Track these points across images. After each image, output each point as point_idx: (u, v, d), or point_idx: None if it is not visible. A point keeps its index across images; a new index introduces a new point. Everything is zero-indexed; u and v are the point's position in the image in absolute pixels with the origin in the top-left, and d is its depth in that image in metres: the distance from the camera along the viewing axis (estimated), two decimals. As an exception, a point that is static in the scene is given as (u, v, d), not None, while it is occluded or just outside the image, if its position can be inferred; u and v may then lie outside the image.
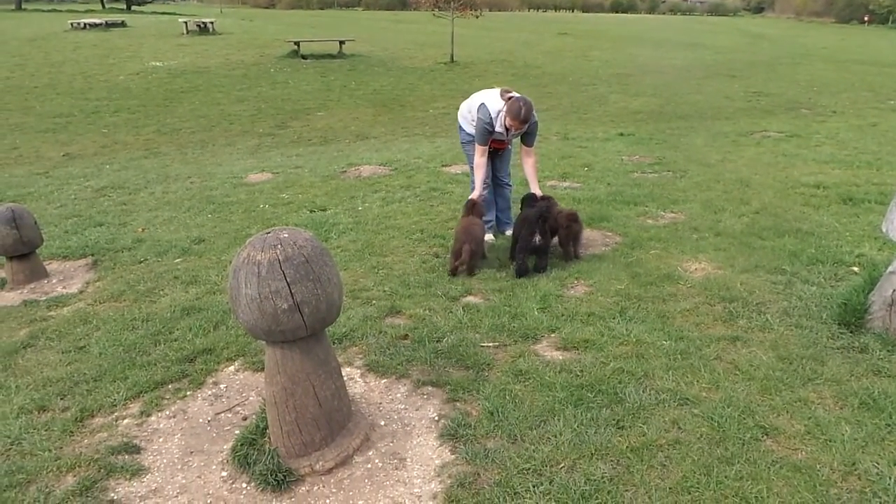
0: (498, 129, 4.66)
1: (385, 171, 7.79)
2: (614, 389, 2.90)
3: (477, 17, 20.99)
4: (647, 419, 2.70)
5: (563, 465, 2.44)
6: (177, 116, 13.20)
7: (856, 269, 4.29)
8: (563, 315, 3.71)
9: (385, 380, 3.13)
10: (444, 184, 6.96)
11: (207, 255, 5.03)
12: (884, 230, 3.29)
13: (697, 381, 2.98)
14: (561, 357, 3.25)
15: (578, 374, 3.06)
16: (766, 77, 19.22)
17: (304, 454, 2.47)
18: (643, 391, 2.89)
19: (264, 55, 20.89)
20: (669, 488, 2.30)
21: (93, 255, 5.16)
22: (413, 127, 12.63)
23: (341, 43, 21.45)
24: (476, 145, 4.76)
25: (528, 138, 4.88)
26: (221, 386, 3.14)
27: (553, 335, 3.49)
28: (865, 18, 61.00)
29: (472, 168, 4.93)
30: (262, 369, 3.22)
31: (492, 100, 4.69)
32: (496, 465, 2.46)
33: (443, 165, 7.99)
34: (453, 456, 2.55)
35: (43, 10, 40.00)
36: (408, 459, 2.56)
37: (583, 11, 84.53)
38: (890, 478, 2.32)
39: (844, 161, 7.94)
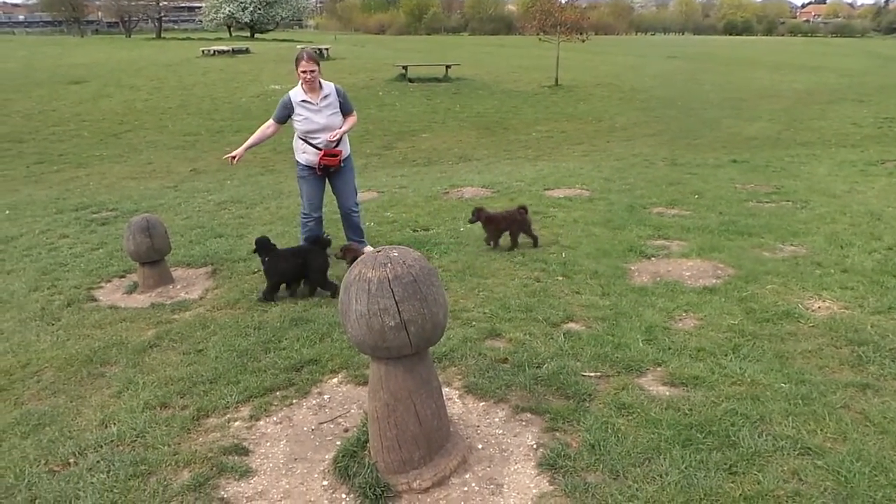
0: (298, 99, 4.93)
1: (487, 193, 7.83)
2: (726, 432, 2.73)
3: (583, 41, 20.84)
4: (763, 467, 2.51)
5: (670, 507, 2.32)
6: (291, 136, 13.98)
7: None
8: (669, 348, 3.55)
9: (483, 403, 3.11)
10: (547, 207, 6.90)
11: (315, 268, 5.24)
12: None
13: (821, 430, 2.74)
14: (668, 393, 3.10)
15: (687, 412, 2.90)
16: (900, 102, 17.69)
17: (402, 471, 2.49)
18: (759, 436, 2.69)
19: (374, 79, 21.77)
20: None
21: (212, 264, 5.53)
22: (515, 150, 12.66)
23: (447, 67, 21.97)
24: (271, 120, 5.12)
25: (346, 106, 5.17)
26: (325, 396, 3.25)
27: (659, 369, 3.34)
28: None
29: (301, 194, 5.38)
30: (365, 383, 3.31)
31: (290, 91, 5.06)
32: (597, 500, 2.38)
33: (545, 189, 7.94)
34: (552, 487, 2.49)
35: (179, 39, 43.99)
36: (504, 486, 2.52)
37: (693, 34, 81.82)
38: None
39: None
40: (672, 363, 3.37)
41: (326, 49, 27.50)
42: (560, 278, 4.75)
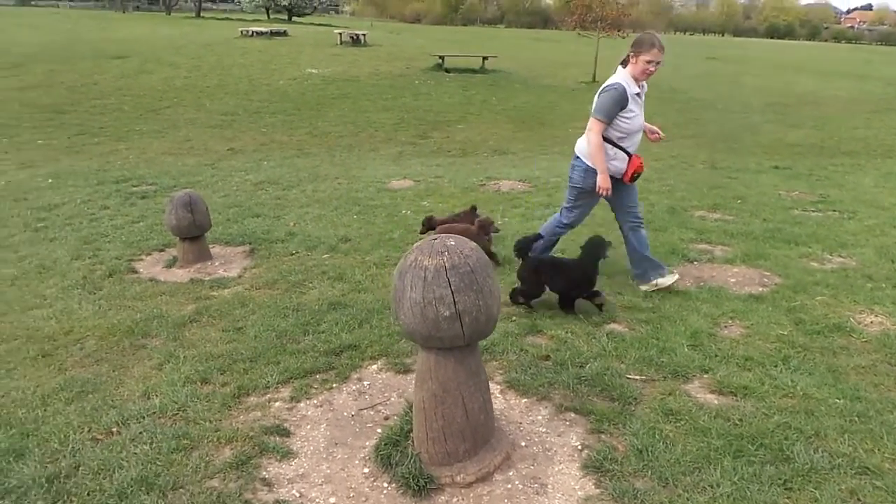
0: (633, 92, 4.00)
1: (524, 188, 7.75)
2: (780, 445, 2.64)
3: (623, 37, 20.49)
4: (819, 484, 2.42)
5: (722, 520, 2.25)
6: (327, 121, 14.00)
7: None
8: (716, 356, 3.46)
9: (526, 399, 3.06)
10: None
11: (353, 254, 5.23)
12: None
13: (879, 450, 2.64)
14: (716, 401, 3.02)
15: (737, 422, 2.82)
16: (953, 113, 17.11)
17: (446, 463, 2.46)
18: (814, 452, 2.60)
19: (410, 67, 21.69)
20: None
21: (250, 243, 5.54)
22: (552, 145, 12.52)
23: (484, 59, 21.79)
24: (595, 123, 4.04)
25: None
26: (365, 383, 3.23)
27: (706, 376, 3.26)
28: None
29: (576, 206, 4.48)
30: (405, 371, 3.29)
31: (616, 79, 4.04)
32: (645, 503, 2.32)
33: (582, 186, 7.81)
34: (598, 490, 2.43)
35: (218, 18, 44.30)
36: (549, 486, 2.47)
37: (734, 36, 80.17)
38: None
39: None
40: (719, 371, 3.28)
41: (364, 35, 27.47)
42: (602, 278, 4.66)
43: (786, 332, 3.74)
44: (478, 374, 2.44)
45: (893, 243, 5.53)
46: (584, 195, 4.39)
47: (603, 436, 2.75)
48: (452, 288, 2.16)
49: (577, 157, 4.35)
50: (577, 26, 20.85)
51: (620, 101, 3.97)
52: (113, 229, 5.91)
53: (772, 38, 78.96)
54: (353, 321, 3.91)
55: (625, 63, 4.09)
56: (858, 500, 2.35)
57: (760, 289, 4.48)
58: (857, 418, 2.84)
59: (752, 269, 4.87)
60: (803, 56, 41.62)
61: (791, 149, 12.44)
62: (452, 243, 2.24)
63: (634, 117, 4.08)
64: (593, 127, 4.07)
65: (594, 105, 4.10)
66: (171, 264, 5.06)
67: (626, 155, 4.18)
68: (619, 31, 19.66)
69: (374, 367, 3.39)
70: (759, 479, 2.43)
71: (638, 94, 4.06)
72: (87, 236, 5.69)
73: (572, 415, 2.92)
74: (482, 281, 2.22)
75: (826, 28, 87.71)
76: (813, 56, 42.40)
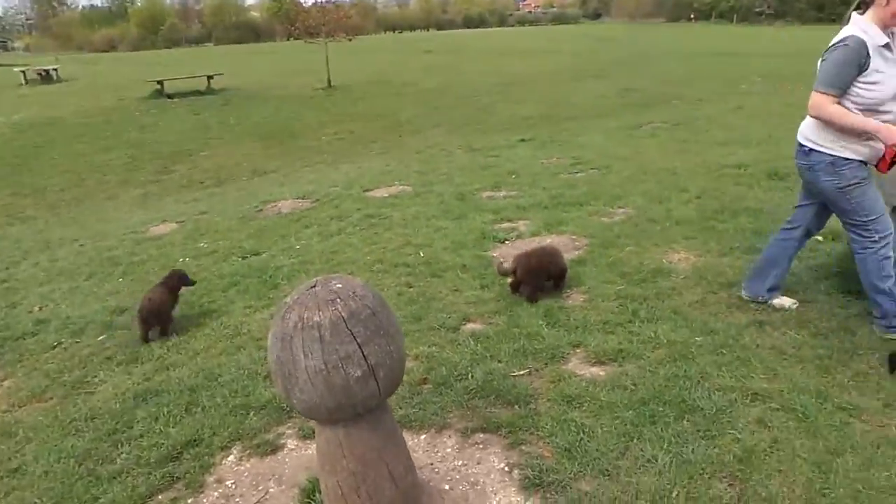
0: (877, 44, 2.78)
1: (306, 205, 7.22)
2: (681, 397, 2.68)
3: (350, 40, 20.69)
4: (732, 423, 2.50)
5: (678, 492, 2.17)
6: (37, 175, 11.65)
7: (819, 238, 4.42)
8: (577, 327, 3.46)
9: (424, 434, 2.70)
10: (378, 209, 6.54)
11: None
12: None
13: (754, 374, 2.83)
14: (602, 373, 2.99)
15: (632, 388, 2.81)
16: (628, 75, 20.46)
17: (384, 549, 2.00)
18: (711, 394, 2.69)
19: (124, 98, 19.21)
20: (807, 497, 2.10)
21: (-14, 348, 4.22)
22: (310, 156, 12.04)
23: (209, 78, 20.23)
24: (820, 98, 2.87)
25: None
26: (228, 483, 2.56)
27: (579, 350, 3.23)
28: (692, 16, 67.84)
29: (863, 207, 2.99)
30: (272, 451, 2.71)
31: (850, 30, 2.84)
32: (605, 510, 2.14)
33: (365, 191, 7.55)
34: (550, 510, 2.20)
35: None
36: (499, 526, 2.17)
37: (437, 29, 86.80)
38: None
39: (741, 141, 8.46)
40: (589, 342, 3.28)
41: (55, 70, 23.65)
42: (431, 279, 4.46)
43: (621, 288, 3.92)
44: (395, 432, 2.03)
45: (653, 187, 6.26)
46: (853, 190, 2.97)
47: (523, 447, 2.53)
48: (359, 341, 1.72)
49: (810, 152, 3.07)
50: (298, 35, 20.44)
51: (857, 61, 2.77)
52: None
53: (468, 27, 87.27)
54: (176, 409, 3.12)
55: (862, 6, 2.89)
56: (768, 427, 2.47)
57: (577, 252, 4.68)
58: (723, 351, 3.04)
59: (560, 236, 5.09)
60: (502, 41, 46.60)
61: (526, 122, 13.68)
62: (340, 286, 1.79)
63: (883, 81, 2.80)
64: (819, 104, 2.86)
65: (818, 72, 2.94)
66: None
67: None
68: (346, 34, 19.75)
69: (231, 458, 2.72)
70: (684, 439, 2.43)
71: (887, 47, 2.80)
72: None
73: (481, 435, 2.64)
74: (387, 322, 1.81)
75: (511, 15, 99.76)
76: (510, 40, 47.75)
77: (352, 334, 1.71)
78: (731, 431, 2.45)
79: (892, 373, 2.73)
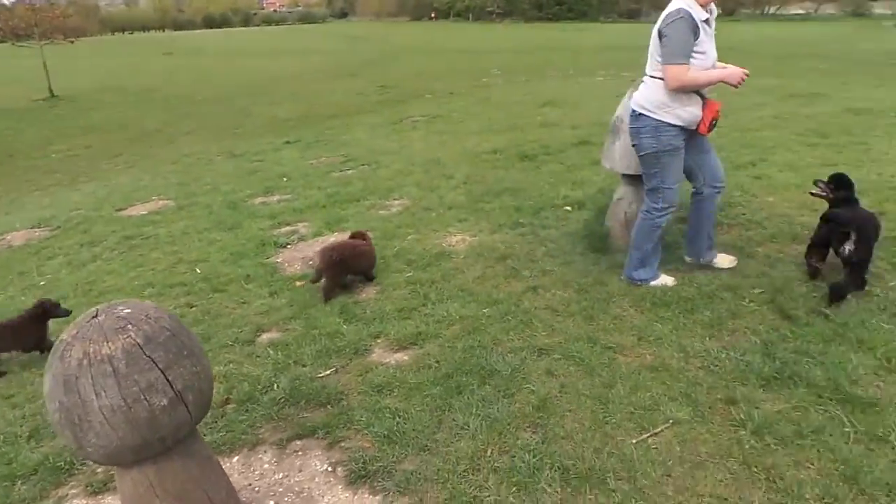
0: (700, 19, 3.15)
1: (45, 233, 6.25)
2: (480, 365, 2.91)
3: (72, 42, 18.13)
4: (526, 379, 2.79)
5: (492, 450, 2.37)
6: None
7: (568, 208, 5.10)
8: (374, 318, 3.55)
9: (237, 456, 2.56)
10: (138, 228, 5.93)
11: None
12: (606, 166, 3.97)
13: (537, 332, 3.19)
14: (406, 357, 3.12)
15: (436, 365, 2.98)
16: (381, 72, 21.17)
17: (216, 583, 1.87)
18: (504, 357, 2.97)
19: None
20: (594, 427, 2.44)
21: None
22: (39, 179, 10.38)
23: None
24: (674, 69, 3.16)
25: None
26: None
27: (380, 340, 3.32)
28: (432, 15, 72.33)
29: (665, 175, 3.42)
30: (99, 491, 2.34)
31: (678, 4, 3.17)
32: (431, 482, 2.25)
33: (118, 210, 6.79)
34: (379, 496, 2.24)
35: None
36: (333, 526, 2.16)
37: (174, 30, 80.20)
38: (716, 350, 2.88)
39: (492, 129, 9.30)
40: (389, 330, 3.38)
41: None
42: (214, 295, 4.19)
43: (410, 275, 4.10)
44: (210, 457, 1.90)
45: (423, 178, 6.60)
46: (664, 156, 3.37)
47: (343, 444, 2.54)
48: (161, 366, 1.57)
49: (640, 116, 3.38)
50: (3, 37, 17.39)
51: (693, 30, 3.11)
52: None
53: (210, 27, 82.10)
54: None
55: None
56: (554, 375, 2.81)
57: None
58: (509, 317, 3.36)
59: (343, 233, 5.12)
60: (248, 41, 44.80)
61: (287, 123, 13.40)
62: (128, 311, 1.61)
63: (707, 51, 3.22)
64: (677, 75, 3.15)
65: (660, 47, 3.20)
66: None
67: (699, 98, 3.29)
68: (65, 36, 17.27)
69: (2, 536, 2.29)
70: (490, 402, 2.65)
71: (707, 22, 3.20)
72: None
73: (298, 443, 2.58)
74: (188, 340, 1.68)
75: (255, 14, 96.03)
76: (256, 40, 46.08)
77: (152, 360, 1.56)
78: (527, 386, 2.74)
79: (831, 304, 3.20)
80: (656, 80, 3.27)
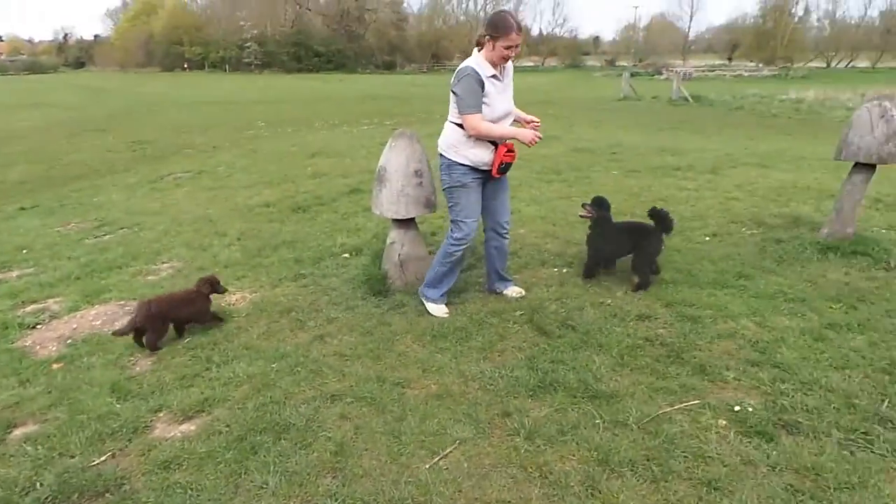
0: (486, 75, 3.59)
1: None
2: (274, 421, 2.91)
3: None
4: (321, 426, 2.86)
5: (294, 502, 2.38)
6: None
7: (346, 255, 5.29)
8: (153, 391, 3.32)
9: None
10: None
11: None
12: (376, 212, 4.24)
13: (327, 380, 3.27)
14: (193, 427, 2.97)
15: (227, 429, 2.90)
16: (134, 127, 19.62)
17: None
18: (297, 409, 3.00)
19: None
20: (390, 460, 2.59)
21: None
22: None
23: None
24: (471, 119, 3.60)
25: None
26: None
27: (162, 413, 3.12)
28: (185, 66, 68.79)
29: (459, 210, 3.87)
30: None
31: (467, 62, 3.64)
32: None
33: None
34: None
35: None
36: None
37: None
38: (490, 371, 3.23)
39: (262, 182, 9.21)
40: (171, 402, 3.18)
41: None
42: None
43: (188, 339, 3.90)
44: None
45: (193, 237, 6.29)
46: (455, 191, 3.84)
47: (129, 533, 2.34)
48: None
49: (440, 155, 3.86)
50: None
51: (477, 84, 3.56)
52: None
53: None
54: None
55: (479, 45, 3.63)
56: (348, 418, 2.91)
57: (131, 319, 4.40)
58: (297, 369, 3.39)
59: (105, 305, 4.68)
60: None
61: (22, 187, 11.77)
62: None
63: (492, 102, 3.64)
64: (473, 123, 3.59)
65: (456, 99, 3.64)
66: None
67: (490, 143, 3.71)
68: None
69: None
70: (287, 455, 2.66)
71: (495, 77, 3.63)
72: None
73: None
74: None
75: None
76: (-33, 92, 39.46)
77: None
78: (323, 433, 2.81)
79: (586, 278, 4.37)
80: (452, 124, 3.75)
